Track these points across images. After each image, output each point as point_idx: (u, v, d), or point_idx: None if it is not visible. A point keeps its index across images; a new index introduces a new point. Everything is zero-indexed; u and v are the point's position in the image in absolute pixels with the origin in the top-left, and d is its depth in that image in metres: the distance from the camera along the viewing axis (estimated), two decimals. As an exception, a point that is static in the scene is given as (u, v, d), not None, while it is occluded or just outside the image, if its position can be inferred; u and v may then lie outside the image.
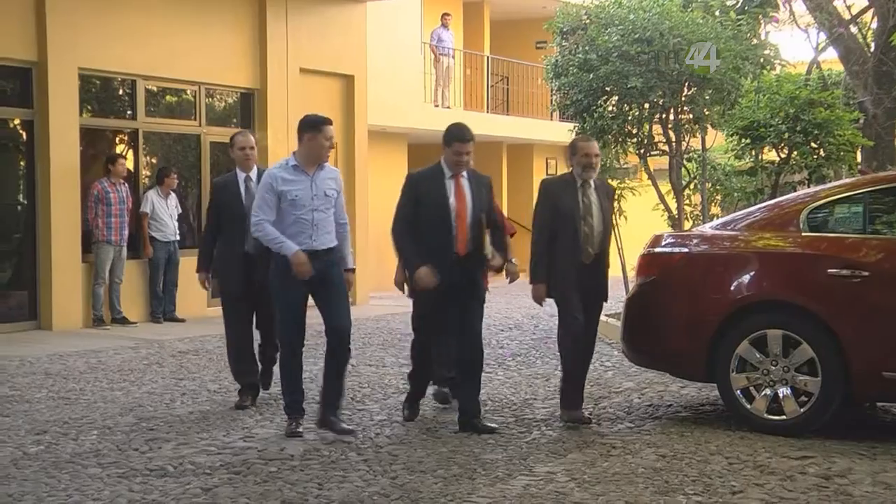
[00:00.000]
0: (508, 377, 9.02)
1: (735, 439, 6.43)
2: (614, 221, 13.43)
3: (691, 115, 13.37)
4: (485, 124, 20.68)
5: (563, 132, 16.38)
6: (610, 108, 13.39)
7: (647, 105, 13.30)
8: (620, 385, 8.43)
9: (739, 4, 15.26)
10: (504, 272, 7.06)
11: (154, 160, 14.04)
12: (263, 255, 7.14)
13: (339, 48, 15.82)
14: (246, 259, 7.51)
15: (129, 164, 13.28)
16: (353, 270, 7.08)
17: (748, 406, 6.67)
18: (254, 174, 7.71)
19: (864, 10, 15.54)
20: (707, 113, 13.23)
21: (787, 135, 11.96)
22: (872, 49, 14.51)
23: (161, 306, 13.08)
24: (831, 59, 16.84)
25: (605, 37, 13.04)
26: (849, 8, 15.76)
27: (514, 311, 14.66)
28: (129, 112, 13.58)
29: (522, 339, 11.58)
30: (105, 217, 12.40)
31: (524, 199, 19.76)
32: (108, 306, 12.61)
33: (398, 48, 18.43)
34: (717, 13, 14.24)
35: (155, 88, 13.93)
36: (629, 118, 13.40)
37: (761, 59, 14.19)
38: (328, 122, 6.82)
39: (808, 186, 11.51)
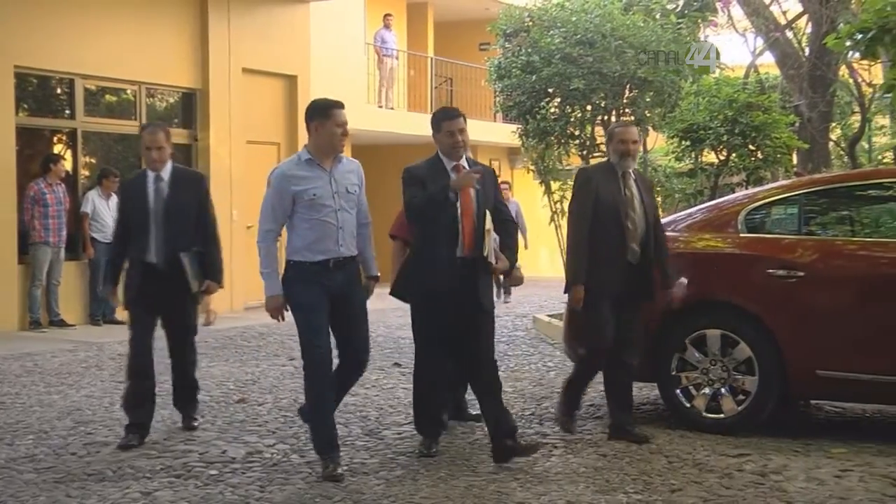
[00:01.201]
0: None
1: (675, 438, 6.49)
2: (559, 221, 13.55)
3: (633, 117, 13.49)
4: (429, 125, 20.62)
5: (506, 133, 16.43)
6: (552, 110, 13.48)
7: (589, 107, 13.41)
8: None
9: (679, 8, 15.44)
10: (507, 276, 6.42)
11: (93, 160, 13.87)
12: (173, 269, 6.45)
13: (282, 49, 15.74)
14: (152, 273, 6.53)
15: (68, 165, 13.09)
16: (376, 278, 6.13)
17: (688, 405, 6.74)
18: (166, 173, 6.61)
19: (798, 16, 15.80)
20: (648, 115, 13.37)
21: (725, 137, 12.11)
22: (807, 53, 14.75)
23: (100, 308, 12.90)
24: (768, 63, 17.09)
25: (548, 39, 13.13)
26: (784, 13, 16.00)
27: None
28: (67, 111, 13.39)
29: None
30: (42, 218, 12.21)
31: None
32: (46, 308, 12.42)
33: (341, 49, 18.36)
34: (657, 16, 14.40)
35: (94, 88, 13.74)
36: (571, 120, 13.51)
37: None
38: (338, 105, 5.85)
39: (746, 188, 11.66)
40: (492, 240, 5.96)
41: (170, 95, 14.76)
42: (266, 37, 15.47)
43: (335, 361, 5.88)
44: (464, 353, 6.04)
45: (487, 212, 5.98)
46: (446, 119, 6.15)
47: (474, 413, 7.00)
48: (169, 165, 6.65)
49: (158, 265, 6.52)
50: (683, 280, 6.76)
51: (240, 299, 14.87)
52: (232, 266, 14.59)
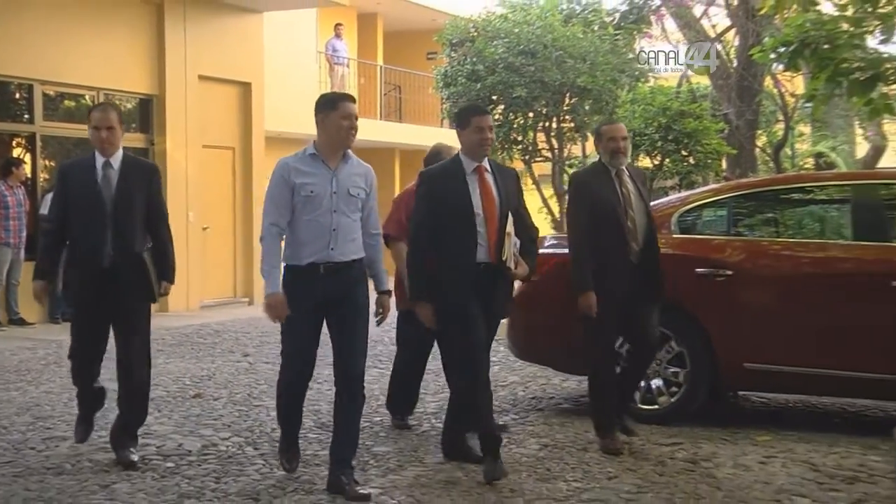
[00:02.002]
0: (400, 372, 8.99)
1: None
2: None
3: (572, 124, 13.59)
4: (378, 131, 20.65)
5: (453, 139, 16.42)
6: (496, 117, 13.52)
7: (531, 114, 13.48)
8: (506, 379, 8.49)
9: (616, 20, 15.56)
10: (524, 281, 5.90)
11: (52, 164, 13.65)
12: (124, 268, 5.60)
13: (236, 56, 15.61)
14: (101, 274, 5.61)
15: (27, 168, 12.89)
16: (389, 293, 5.45)
17: (624, 397, 6.79)
18: (116, 161, 5.68)
19: (727, 30, 15.98)
20: (587, 122, 13.46)
21: (660, 143, 12.24)
22: (735, 65, 14.93)
23: (60, 307, 12.70)
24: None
25: (492, 49, 13.19)
26: (714, 27, 16.18)
27: (405, 309, 14.66)
28: (26, 116, 13.17)
29: (413, 336, 11.57)
30: (3, 220, 12.01)
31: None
32: (5, 307, 12.23)
33: (294, 57, 18.26)
34: (595, 28, 14.50)
35: (52, 93, 13.53)
36: (514, 126, 13.57)
37: (636, 72, 14.50)
38: (347, 97, 5.25)
39: (679, 191, 11.78)
40: (512, 244, 5.39)
41: (127, 101, 14.56)
42: (221, 45, 15.34)
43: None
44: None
45: (510, 214, 5.40)
46: (476, 114, 5.51)
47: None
48: (120, 152, 5.72)
49: (109, 264, 5.62)
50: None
51: (196, 298, 14.73)
52: (189, 266, 14.50)
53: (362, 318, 5.20)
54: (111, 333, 5.81)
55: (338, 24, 20.13)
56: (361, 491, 5.09)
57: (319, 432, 6.56)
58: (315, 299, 5.10)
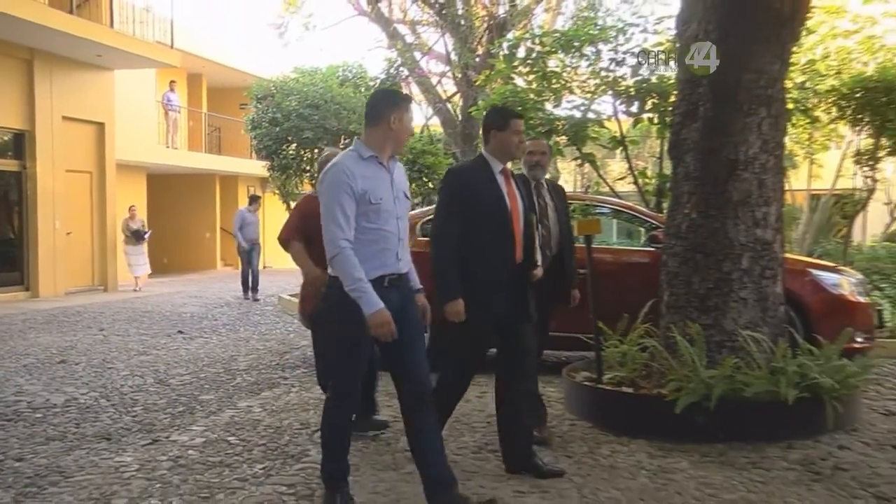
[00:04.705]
0: (220, 341, 8.72)
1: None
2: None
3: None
4: (203, 161, 20.02)
5: (259, 168, 16.14)
6: (291, 152, 13.35)
7: (316, 150, 13.39)
8: (299, 343, 8.40)
9: (377, 84, 15.71)
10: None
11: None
12: None
13: (93, 102, 14.56)
14: None
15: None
16: (422, 290, 3.59)
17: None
18: None
19: (454, 94, 16.46)
20: (357, 157, 13.49)
21: (407, 173, 12.41)
22: (460, 119, 15.41)
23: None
24: (435, 124, 17.68)
25: (287, 102, 13.01)
26: (445, 91, 16.64)
27: (225, 293, 14.21)
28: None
29: (230, 314, 11.25)
30: None
31: (232, 216, 18.98)
32: None
33: (138, 104, 17.30)
34: (363, 89, 14.58)
35: (-63, 127, 12.12)
36: (304, 159, 13.44)
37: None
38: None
39: (422, 207, 12.04)
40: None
41: (4, 134, 13.28)
42: (80, 93, 14.26)
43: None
44: (505, 362, 4.05)
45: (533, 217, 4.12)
46: (515, 117, 4.00)
47: (380, 419, 4.87)
48: None
49: None
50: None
51: (62, 286, 13.69)
52: (56, 261, 13.49)
53: (420, 331, 3.50)
54: None
55: (172, 81, 19.24)
56: None
57: (158, 387, 6.26)
58: None
